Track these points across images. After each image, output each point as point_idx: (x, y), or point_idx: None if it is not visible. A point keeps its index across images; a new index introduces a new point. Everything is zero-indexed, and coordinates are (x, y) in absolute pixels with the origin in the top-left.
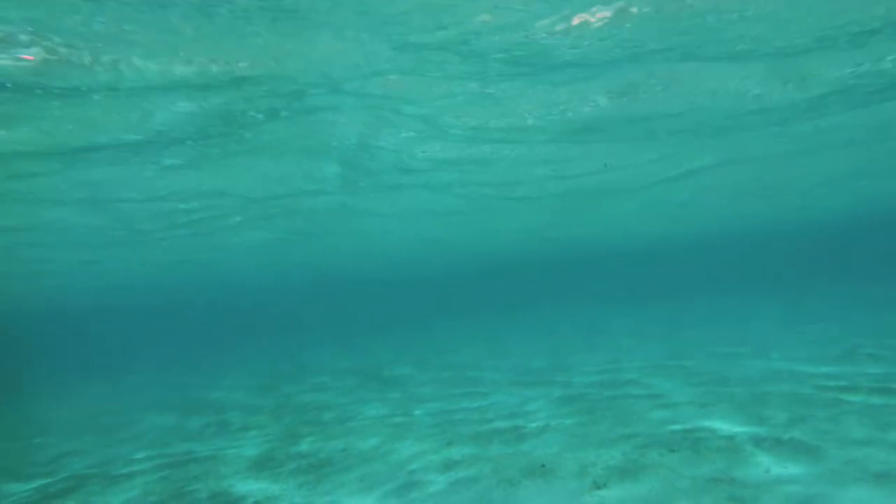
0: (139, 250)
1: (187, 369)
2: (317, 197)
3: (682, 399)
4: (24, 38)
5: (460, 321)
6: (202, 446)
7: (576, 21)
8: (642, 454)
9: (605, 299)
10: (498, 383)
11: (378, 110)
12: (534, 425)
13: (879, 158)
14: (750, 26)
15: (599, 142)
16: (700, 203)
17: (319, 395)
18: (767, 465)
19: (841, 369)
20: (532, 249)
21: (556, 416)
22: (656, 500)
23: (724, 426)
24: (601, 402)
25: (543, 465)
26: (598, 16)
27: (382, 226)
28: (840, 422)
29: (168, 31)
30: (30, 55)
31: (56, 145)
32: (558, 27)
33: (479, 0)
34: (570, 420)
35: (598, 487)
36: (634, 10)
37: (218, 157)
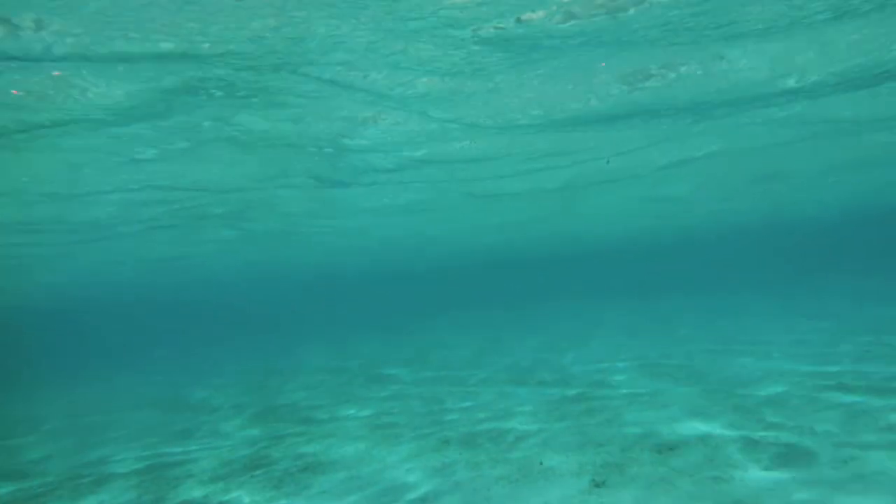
0: (116, 245)
1: (178, 367)
2: (293, 191)
3: (677, 399)
4: None
5: (454, 318)
6: (189, 448)
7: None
8: (640, 453)
9: (601, 295)
10: (492, 382)
11: (357, 102)
12: (530, 425)
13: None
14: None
15: (602, 131)
16: (696, 197)
17: (310, 394)
18: (766, 466)
19: (839, 368)
20: (525, 245)
21: (552, 415)
22: (655, 499)
23: (720, 426)
24: (597, 401)
25: (542, 463)
26: None
27: (367, 222)
28: (838, 423)
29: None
30: None
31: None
32: (555, 15)
33: None
34: (566, 418)
35: (598, 485)
36: None
37: (189, 148)
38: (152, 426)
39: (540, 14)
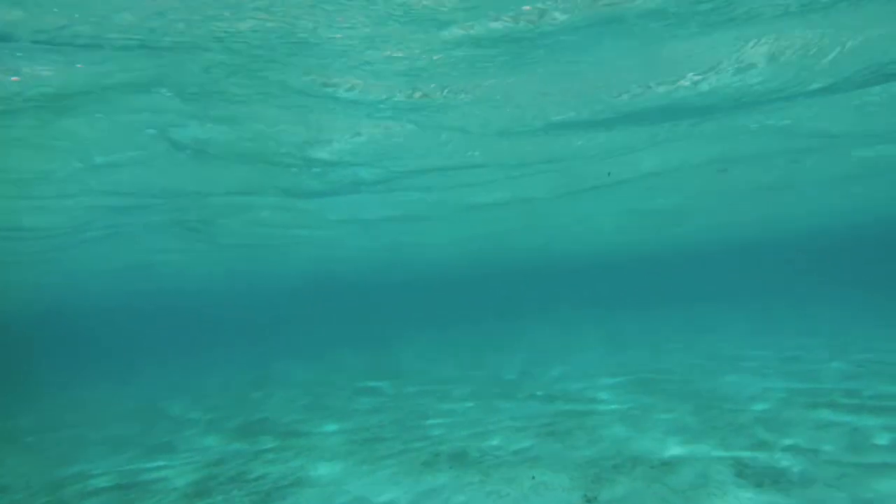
0: (91, 250)
1: (159, 377)
2: (268, 201)
3: (668, 415)
4: None
5: (439, 331)
6: (172, 462)
7: None
8: (632, 469)
9: (590, 308)
10: (479, 396)
11: (332, 112)
12: (519, 440)
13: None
14: None
15: (596, 136)
16: (689, 208)
17: (292, 408)
18: (758, 484)
19: (831, 386)
20: (513, 257)
21: (541, 430)
22: None
23: (713, 444)
24: (587, 417)
25: (534, 478)
26: None
27: (349, 233)
28: (832, 442)
29: None
30: None
31: None
32: (551, 12)
33: None
34: (556, 434)
35: (590, 501)
36: None
37: (150, 154)
38: (133, 439)
39: (535, 13)
